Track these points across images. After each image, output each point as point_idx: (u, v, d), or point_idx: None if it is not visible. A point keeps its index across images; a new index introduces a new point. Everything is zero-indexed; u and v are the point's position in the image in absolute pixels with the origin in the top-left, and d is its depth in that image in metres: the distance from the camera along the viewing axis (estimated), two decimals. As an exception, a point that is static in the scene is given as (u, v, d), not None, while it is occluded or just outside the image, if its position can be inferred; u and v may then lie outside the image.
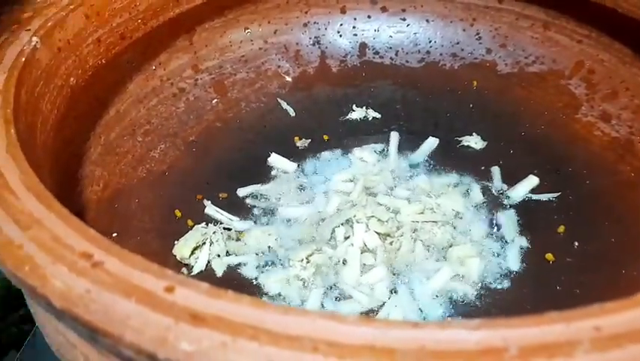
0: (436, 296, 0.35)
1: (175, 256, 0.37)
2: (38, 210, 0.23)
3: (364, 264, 0.36)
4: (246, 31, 0.50)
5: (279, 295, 0.35)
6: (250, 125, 0.47)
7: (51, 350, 0.28)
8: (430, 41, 0.51)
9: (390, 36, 0.52)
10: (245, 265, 0.37)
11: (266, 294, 0.35)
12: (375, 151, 0.44)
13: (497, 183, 0.42)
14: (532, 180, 0.41)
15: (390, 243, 0.37)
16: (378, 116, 0.48)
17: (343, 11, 0.52)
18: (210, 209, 0.40)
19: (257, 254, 0.38)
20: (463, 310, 0.34)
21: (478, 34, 0.50)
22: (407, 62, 0.51)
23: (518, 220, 0.39)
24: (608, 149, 0.43)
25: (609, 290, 0.34)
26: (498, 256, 0.37)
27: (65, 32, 0.36)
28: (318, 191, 0.41)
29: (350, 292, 0.35)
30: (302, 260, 0.36)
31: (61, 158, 0.35)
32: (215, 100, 0.48)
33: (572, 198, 0.40)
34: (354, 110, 0.48)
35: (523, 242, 0.38)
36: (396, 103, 0.49)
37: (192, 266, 0.37)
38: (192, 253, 0.37)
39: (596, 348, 0.17)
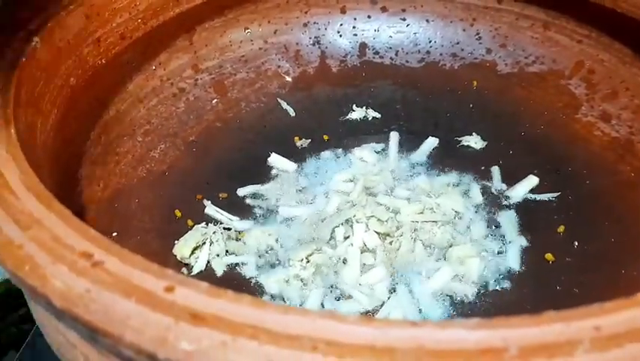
0: (436, 296, 0.35)
1: (175, 255, 0.37)
2: (38, 210, 0.23)
3: (364, 264, 0.36)
4: (246, 31, 0.50)
5: (279, 295, 0.35)
6: (250, 125, 0.47)
7: (51, 349, 0.28)
8: (430, 41, 0.51)
9: (390, 36, 0.52)
10: (245, 264, 0.37)
11: (266, 294, 0.35)
12: (375, 151, 0.44)
13: (497, 183, 0.42)
14: (532, 180, 0.41)
15: (390, 243, 0.37)
16: (378, 116, 0.48)
17: (343, 11, 0.52)
18: (210, 209, 0.40)
19: (257, 254, 0.38)
20: (462, 310, 0.34)
21: (478, 34, 0.50)
22: (407, 62, 0.51)
23: (518, 220, 0.39)
24: (608, 149, 0.43)
25: (609, 290, 0.34)
26: (498, 256, 0.37)
27: (65, 32, 0.36)
28: (318, 191, 0.41)
29: (350, 292, 0.35)
30: (302, 260, 0.36)
31: (61, 158, 0.35)
32: (215, 100, 0.48)
33: (571, 198, 0.40)
34: (354, 110, 0.48)
35: (523, 242, 0.38)
36: (396, 103, 0.49)
37: (192, 266, 0.37)
38: (192, 252, 0.37)
39: (596, 348, 0.17)
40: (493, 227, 0.39)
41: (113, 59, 0.40)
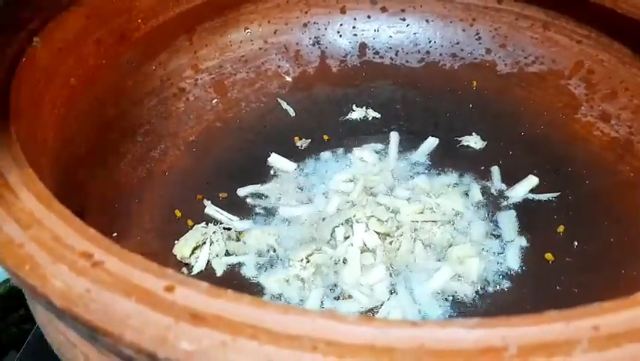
0: (436, 296, 0.35)
1: (175, 255, 0.37)
2: (38, 210, 0.23)
3: (364, 264, 0.36)
4: (246, 31, 0.50)
5: (279, 294, 0.35)
6: (250, 125, 0.47)
7: (51, 349, 0.28)
8: (430, 41, 0.51)
9: (390, 36, 0.52)
10: (245, 264, 0.37)
11: (266, 294, 0.35)
12: (375, 151, 0.45)
13: (497, 183, 0.42)
14: (532, 180, 0.41)
15: (390, 243, 0.37)
16: (378, 116, 0.48)
17: (343, 11, 0.52)
18: (210, 209, 0.40)
19: (257, 254, 0.38)
20: (462, 309, 0.34)
21: (477, 34, 0.50)
22: (407, 62, 0.51)
23: (518, 220, 0.39)
24: (607, 149, 0.43)
25: (608, 290, 0.34)
26: (498, 255, 0.37)
27: (65, 32, 0.36)
28: (318, 191, 0.42)
29: (350, 291, 0.35)
30: (302, 260, 0.36)
31: (61, 158, 0.35)
32: (215, 100, 0.48)
33: (571, 198, 0.40)
34: (354, 110, 0.48)
35: (523, 242, 0.38)
36: (396, 103, 0.49)
37: (192, 266, 0.37)
38: (192, 252, 0.37)
39: (595, 347, 0.17)
40: (493, 227, 0.39)
41: (113, 59, 0.40)
